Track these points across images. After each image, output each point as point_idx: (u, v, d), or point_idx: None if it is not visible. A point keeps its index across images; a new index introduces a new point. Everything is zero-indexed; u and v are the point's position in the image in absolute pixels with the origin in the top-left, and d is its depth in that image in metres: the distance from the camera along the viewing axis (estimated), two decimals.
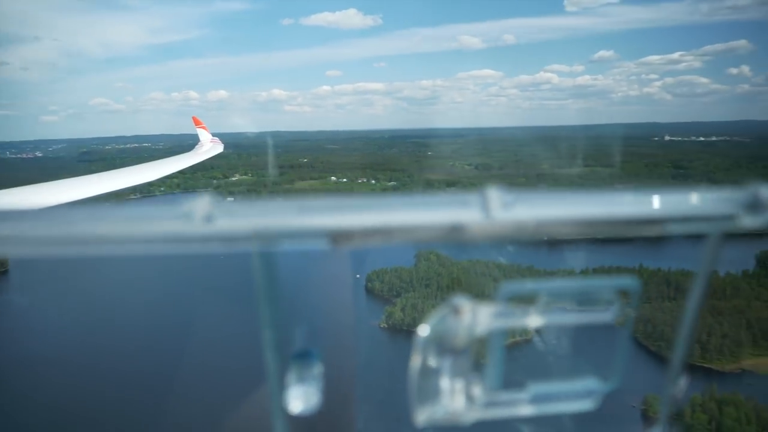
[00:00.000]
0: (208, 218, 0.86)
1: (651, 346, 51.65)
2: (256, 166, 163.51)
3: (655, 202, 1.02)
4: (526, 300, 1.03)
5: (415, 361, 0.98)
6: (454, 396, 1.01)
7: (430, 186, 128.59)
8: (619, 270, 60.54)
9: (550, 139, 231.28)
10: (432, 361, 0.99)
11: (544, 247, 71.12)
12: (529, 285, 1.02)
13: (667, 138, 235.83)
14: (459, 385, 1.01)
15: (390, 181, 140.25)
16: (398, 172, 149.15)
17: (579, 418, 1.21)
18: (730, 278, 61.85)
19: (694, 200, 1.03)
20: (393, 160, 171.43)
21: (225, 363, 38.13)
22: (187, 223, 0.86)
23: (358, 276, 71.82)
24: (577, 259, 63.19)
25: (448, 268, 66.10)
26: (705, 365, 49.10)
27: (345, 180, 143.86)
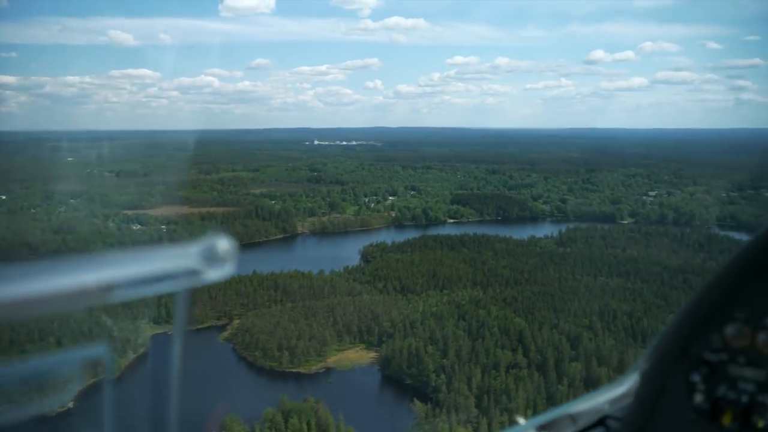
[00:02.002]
0: None
1: (249, 357, 51.03)
2: None
3: (116, 268, 0.94)
4: None
5: None
6: None
7: (49, 198, 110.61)
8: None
9: (207, 143, 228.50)
10: None
11: None
12: None
13: (316, 142, 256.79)
14: None
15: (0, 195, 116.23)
16: (16, 182, 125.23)
17: None
18: (331, 276, 65.48)
19: (157, 260, 0.98)
20: (17, 168, 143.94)
21: None
22: None
23: None
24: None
25: None
26: (293, 370, 50.25)
27: None
